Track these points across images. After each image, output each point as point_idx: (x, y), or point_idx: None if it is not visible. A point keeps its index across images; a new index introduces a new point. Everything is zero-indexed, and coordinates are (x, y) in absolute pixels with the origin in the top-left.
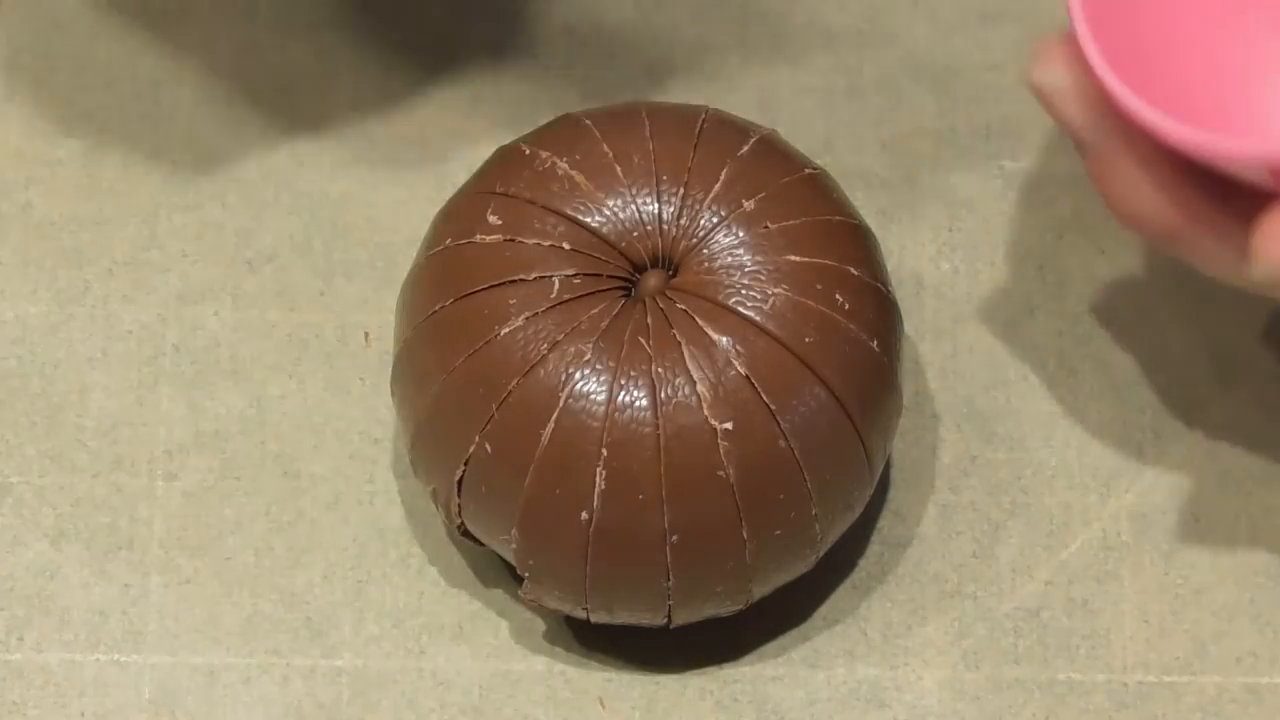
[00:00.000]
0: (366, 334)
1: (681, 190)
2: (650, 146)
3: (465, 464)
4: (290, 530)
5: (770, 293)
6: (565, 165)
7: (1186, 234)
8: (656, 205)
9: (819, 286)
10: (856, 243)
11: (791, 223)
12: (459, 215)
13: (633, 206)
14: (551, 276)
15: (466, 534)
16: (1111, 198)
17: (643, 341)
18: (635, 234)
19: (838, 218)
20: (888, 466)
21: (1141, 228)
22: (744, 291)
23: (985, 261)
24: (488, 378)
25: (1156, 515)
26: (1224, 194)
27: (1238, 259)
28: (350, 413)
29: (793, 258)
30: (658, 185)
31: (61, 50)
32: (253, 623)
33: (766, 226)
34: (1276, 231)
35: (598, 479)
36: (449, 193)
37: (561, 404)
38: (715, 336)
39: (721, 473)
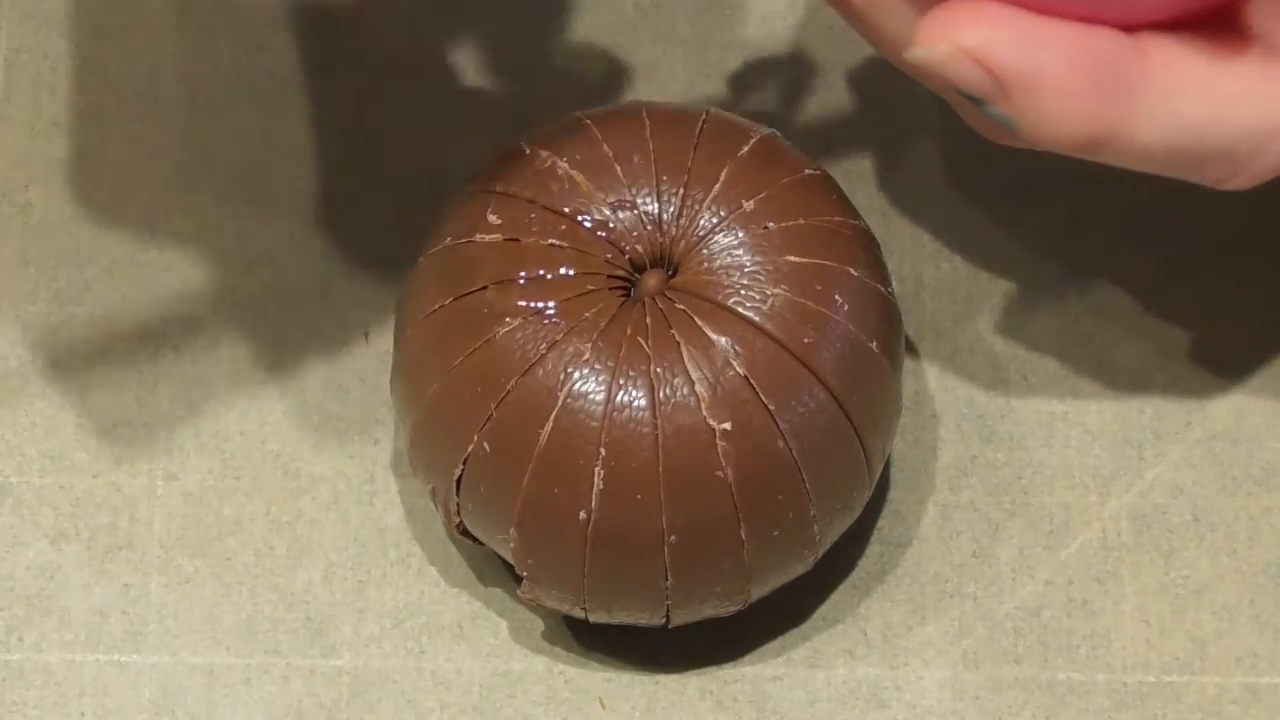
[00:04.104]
0: (366, 334)
1: (681, 190)
2: (650, 146)
3: (464, 463)
4: (290, 530)
5: (770, 293)
6: (565, 165)
7: None
8: (656, 205)
9: (818, 287)
10: (857, 244)
11: (791, 223)
12: (459, 215)
13: (632, 206)
14: (550, 276)
15: (465, 533)
16: None
17: (641, 341)
18: (635, 234)
19: (838, 219)
20: (887, 466)
21: None
22: (743, 292)
23: (985, 261)
24: (486, 377)
25: (1156, 515)
26: None
27: (891, 25)
28: (350, 413)
29: (792, 258)
30: (658, 185)
31: (61, 50)
32: (253, 623)
33: (766, 227)
34: (935, 21)
35: (596, 479)
36: (449, 193)
37: (560, 403)
38: (714, 337)
39: (720, 473)
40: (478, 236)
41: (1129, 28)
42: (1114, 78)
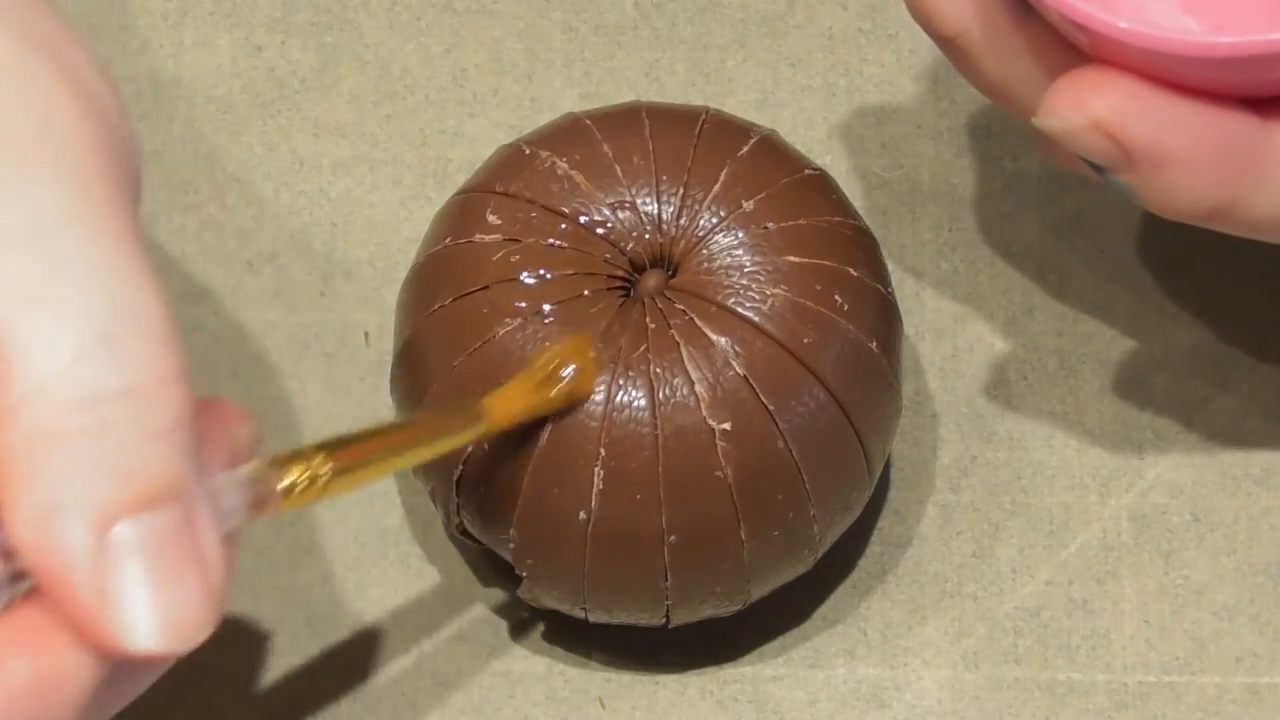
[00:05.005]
0: (366, 334)
1: (681, 190)
2: (650, 146)
3: (464, 463)
4: (290, 530)
5: (769, 293)
6: (565, 165)
7: (973, 39)
8: (656, 205)
9: (818, 287)
10: (856, 244)
11: (791, 223)
12: (459, 215)
13: (632, 206)
14: (550, 276)
15: (465, 533)
16: None
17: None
18: (635, 234)
19: (838, 219)
20: (888, 466)
21: (929, 22)
22: (743, 292)
23: (985, 261)
24: (486, 377)
25: (1156, 515)
26: (1037, 33)
27: (1013, 82)
28: (350, 413)
29: (792, 258)
30: (658, 185)
31: None
32: (253, 622)
33: (766, 227)
34: (1066, 88)
35: (596, 479)
36: (449, 193)
37: None
38: (714, 337)
39: (719, 473)
40: (478, 236)
41: (1253, 99)
42: (1239, 157)
